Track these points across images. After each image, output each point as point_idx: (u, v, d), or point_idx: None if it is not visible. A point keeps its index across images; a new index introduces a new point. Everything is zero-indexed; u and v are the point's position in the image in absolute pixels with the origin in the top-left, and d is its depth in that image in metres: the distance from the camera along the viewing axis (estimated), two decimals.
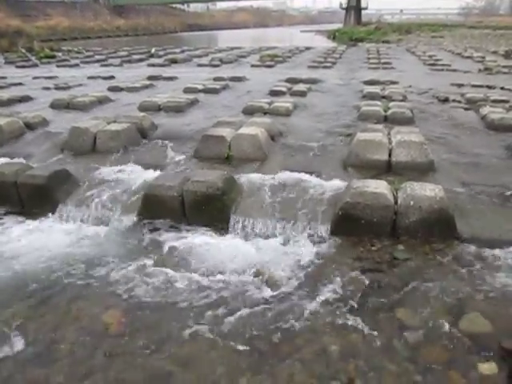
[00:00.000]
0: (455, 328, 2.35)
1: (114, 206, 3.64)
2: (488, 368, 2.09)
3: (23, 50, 16.58)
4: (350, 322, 2.41)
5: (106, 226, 3.51)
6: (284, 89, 7.85)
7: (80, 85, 9.02)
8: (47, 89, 8.57)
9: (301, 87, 7.96)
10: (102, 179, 3.97)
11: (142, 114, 6.03)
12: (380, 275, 2.82)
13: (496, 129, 5.29)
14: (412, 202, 3.17)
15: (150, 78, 9.65)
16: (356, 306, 2.54)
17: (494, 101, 6.67)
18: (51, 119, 6.01)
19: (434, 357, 2.18)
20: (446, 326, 2.37)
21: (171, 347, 2.29)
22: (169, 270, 2.92)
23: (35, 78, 10.17)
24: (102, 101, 7.21)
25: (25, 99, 7.50)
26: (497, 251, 2.98)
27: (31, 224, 3.58)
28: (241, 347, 2.27)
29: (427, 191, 3.25)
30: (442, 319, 2.42)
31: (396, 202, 3.21)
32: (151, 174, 3.90)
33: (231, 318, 2.48)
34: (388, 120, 5.56)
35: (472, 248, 3.04)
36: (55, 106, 6.93)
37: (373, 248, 3.09)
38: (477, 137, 5.13)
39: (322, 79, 9.13)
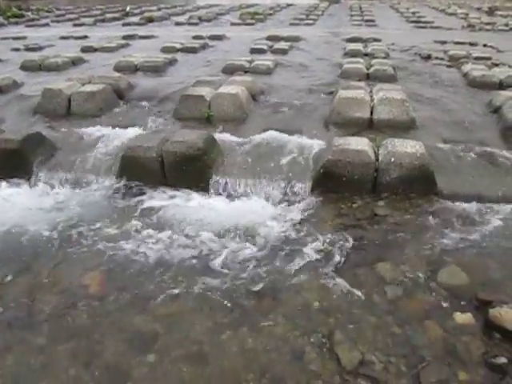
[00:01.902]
0: (433, 281, 2.40)
1: (91, 168, 3.55)
2: (464, 318, 2.15)
3: None
4: (331, 278, 2.43)
5: (83, 189, 3.44)
6: (265, 47, 7.64)
7: (51, 45, 8.62)
8: (16, 50, 8.17)
9: (282, 45, 7.76)
10: (78, 142, 3.85)
11: (117, 74, 5.84)
12: (361, 231, 2.84)
13: (477, 86, 5.28)
14: (393, 159, 3.16)
15: (126, 37, 9.27)
16: (337, 261, 2.57)
17: (477, 58, 6.63)
18: (22, 81, 5.76)
19: (412, 309, 2.23)
20: (425, 280, 2.41)
21: (153, 306, 2.29)
22: (149, 231, 2.89)
23: (3, 38, 9.67)
24: (75, 61, 6.92)
25: None
26: (475, 206, 3.03)
27: (6, 189, 3.48)
28: (223, 304, 2.28)
29: (408, 148, 3.25)
30: (421, 273, 2.46)
31: (377, 159, 3.20)
32: (129, 136, 3.79)
33: (213, 276, 2.48)
34: (370, 77, 5.49)
35: (451, 204, 3.07)
36: (26, 67, 6.63)
37: (354, 205, 3.10)
38: (458, 94, 5.11)
39: (304, 37, 8.90)
